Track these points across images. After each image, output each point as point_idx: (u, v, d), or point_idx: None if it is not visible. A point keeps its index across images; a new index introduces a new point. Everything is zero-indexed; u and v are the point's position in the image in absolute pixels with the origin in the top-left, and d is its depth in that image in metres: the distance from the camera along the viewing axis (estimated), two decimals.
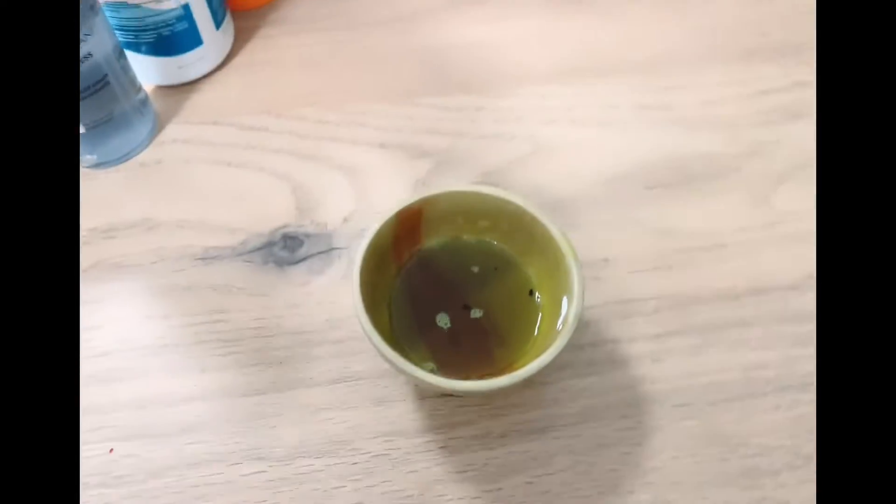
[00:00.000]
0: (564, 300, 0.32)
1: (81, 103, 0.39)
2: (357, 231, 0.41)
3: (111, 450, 0.34)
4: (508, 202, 0.34)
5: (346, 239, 0.40)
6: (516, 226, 0.35)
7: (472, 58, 0.49)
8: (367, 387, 0.35)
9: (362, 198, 0.42)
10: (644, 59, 0.48)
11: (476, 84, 0.47)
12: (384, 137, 0.45)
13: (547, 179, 0.43)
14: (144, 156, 0.44)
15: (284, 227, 0.41)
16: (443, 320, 0.34)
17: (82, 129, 0.40)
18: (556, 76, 0.47)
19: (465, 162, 0.43)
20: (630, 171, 0.43)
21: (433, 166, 0.43)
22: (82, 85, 0.38)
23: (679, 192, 0.42)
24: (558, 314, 0.33)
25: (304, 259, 0.40)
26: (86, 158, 0.42)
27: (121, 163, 0.43)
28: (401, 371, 0.30)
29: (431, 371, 0.32)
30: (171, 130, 0.45)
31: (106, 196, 0.42)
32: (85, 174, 0.43)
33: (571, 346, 0.30)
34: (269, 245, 0.40)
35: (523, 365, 0.30)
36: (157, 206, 0.42)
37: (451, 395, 0.35)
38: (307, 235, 0.41)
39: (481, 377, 0.32)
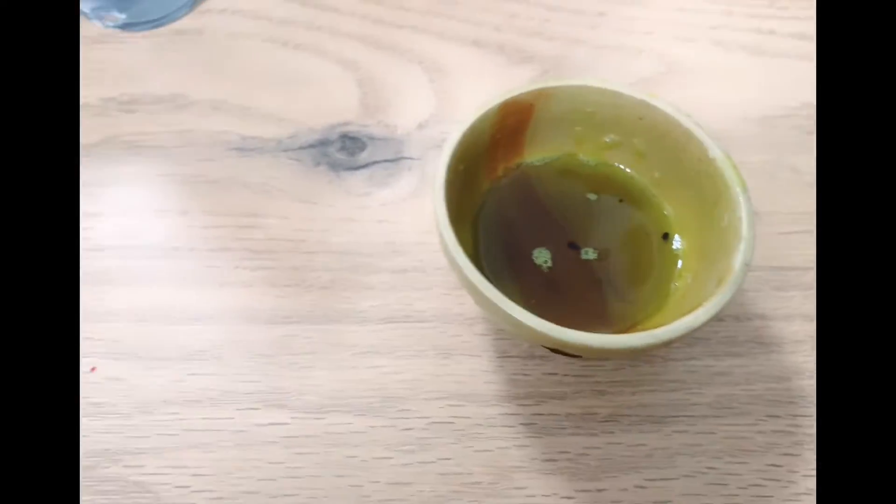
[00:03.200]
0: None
1: None
2: (434, 141, 0.32)
3: (93, 368, 0.26)
4: (655, 108, 0.26)
5: (419, 148, 0.32)
6: (658, 144, 0.26)
7: None
8: (432, 332, 0.27)
9: (444, 103, 0.33)
10: None
11: None
12: (479, 34, 0.36)
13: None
14: (183, 23, 0.36)
15: (345, 124, 0.32)
16: (542, 257, 0.26)
17: None
18: None
19: (579, 75, 0.34)
20: (790, 110, 0.34)
21: (537, 76, 0.35)
22: None
23: None
24: (708, 268, 0.24)
25: (364, 166, 0.31)
26: (111, 16, 0.34)
27: (153, 27, 0.35)
28: (487, 305, 0.21)
29: None
30: None
31: (130, 64, 0.34)
32: (108, 35, 0.35)
33: None
34: (323, 143, 0.32)
35: (653, 327, 0.21)
36: (191, 83, 0.33)
37: (542, 357, 0.26)
38: (371, 138, 0.32)
39: None
